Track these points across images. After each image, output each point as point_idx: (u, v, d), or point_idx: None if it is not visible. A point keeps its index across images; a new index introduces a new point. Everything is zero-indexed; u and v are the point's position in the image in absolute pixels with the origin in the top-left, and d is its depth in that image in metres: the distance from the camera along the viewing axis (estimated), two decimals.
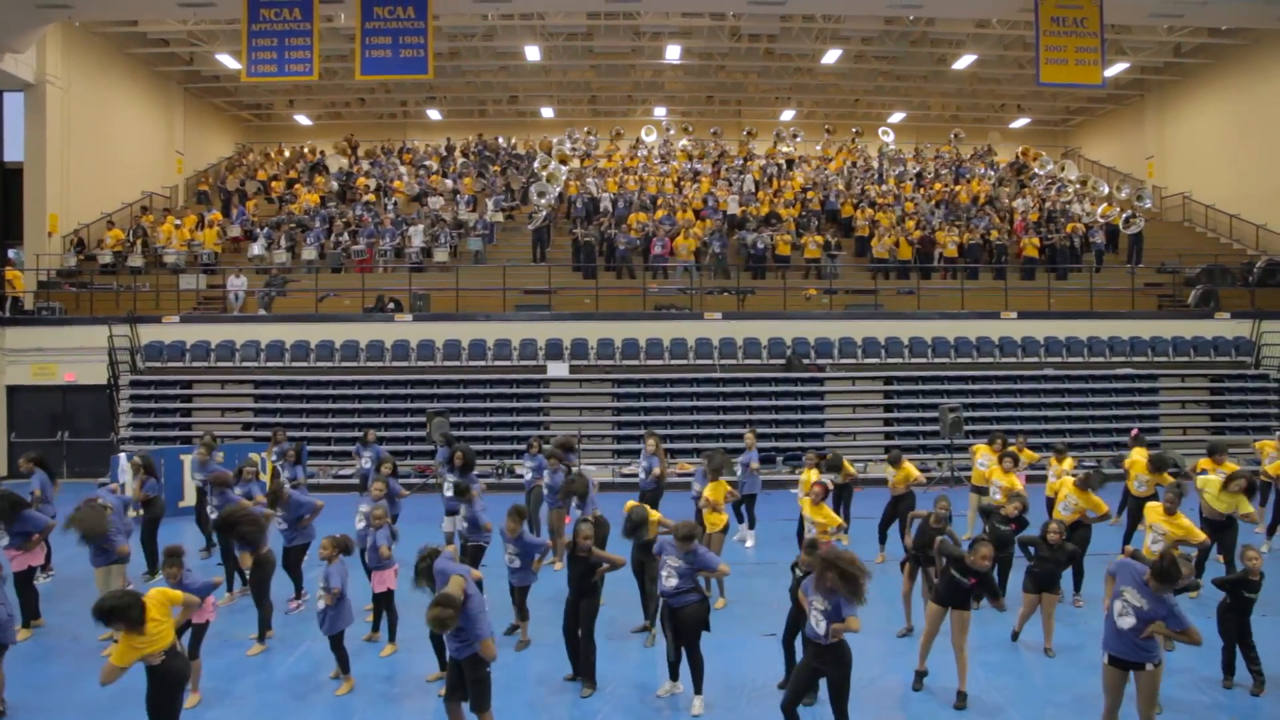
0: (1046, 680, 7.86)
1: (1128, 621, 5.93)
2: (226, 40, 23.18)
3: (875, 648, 8.56)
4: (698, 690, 7.19)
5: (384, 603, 8.57)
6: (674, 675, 7.45)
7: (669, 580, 7.09)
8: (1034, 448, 14.09)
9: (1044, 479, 11.58)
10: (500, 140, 30.15)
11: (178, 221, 23.54)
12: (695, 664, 7.15)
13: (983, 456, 11.97)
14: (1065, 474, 10.79)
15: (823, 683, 6.27)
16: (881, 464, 13.83)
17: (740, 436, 13.21)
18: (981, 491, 11.50)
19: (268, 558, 8.73)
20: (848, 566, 5.90)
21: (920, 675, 7.60)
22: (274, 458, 13.57)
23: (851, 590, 5.89)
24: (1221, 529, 9.75)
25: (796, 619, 7.34)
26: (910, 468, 11.39)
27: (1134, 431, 15.20)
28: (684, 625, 7.09)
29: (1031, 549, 8.27)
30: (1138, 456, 11.33)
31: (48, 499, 10.60)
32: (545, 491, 11.35)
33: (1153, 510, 8.57)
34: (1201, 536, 8.54)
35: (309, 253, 22.25)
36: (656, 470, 11.63)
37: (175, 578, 7.07)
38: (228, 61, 24.32)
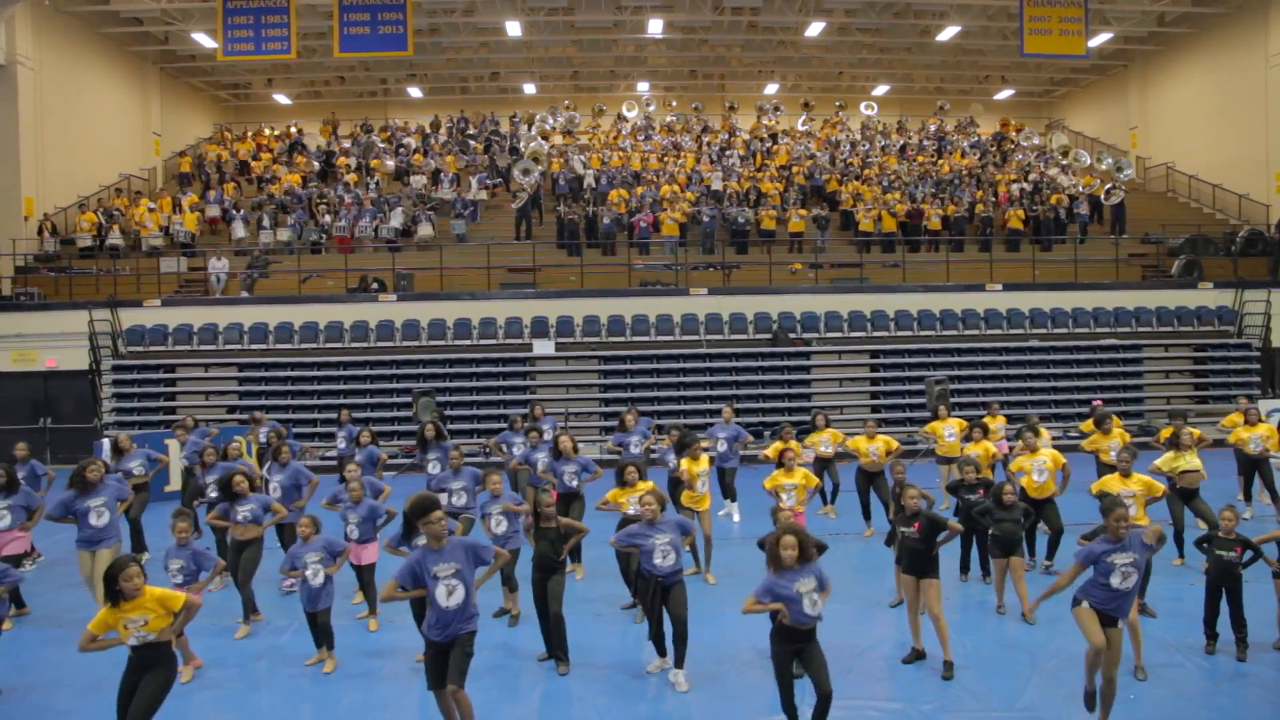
0: (1030, 646, 7.91)
1: (1132, 580, 6.14)
2: (202, 18, 22.77)
3: (865, 619, 8.61)
4: (679, 664, 7.20)
5: (367, 575, 8.56)
6: (661, 651, 7.47)
7: (666, 559, 7.06)
8: (1021, 419, 14.13)
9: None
10: (485, 116, 29.81)
11: (152, 205, 23.25)
12: (682, 639, 7.16)
13: (946, 428, 12.12)
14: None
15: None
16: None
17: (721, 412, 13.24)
18: (950, 462, 11.62)
19: (256, 542, 8.69)
20: (802, 533, 6.04)
21: (917, 654, 7.60)
22: (261, 439, 13.47)
23: (818, 548, 6.08)
24: (1191, 495, 9.90)
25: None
26: (887, 438, 11.70)
27: (1096, 403, 15.30)
28: (677, 602, 7.11)
29: (989, 516, 8.43)
30: (1096, 433, 11.39)
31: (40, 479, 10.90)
32: (531, 467, 11.27)
33: (1111, 481, 8.55)
34: (1161, 489, 8.72)
35: (285, 234, 22.01)
36: (649, 441, 11.77)
37: (186, 533, 7.28)
38: (204, 40, 23.95)
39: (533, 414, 12.90)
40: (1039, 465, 9.58)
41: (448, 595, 5.84)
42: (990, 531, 8.52)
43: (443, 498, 10.31)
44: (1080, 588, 6.30)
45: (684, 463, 9.98)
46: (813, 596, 5.90)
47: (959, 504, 9.30)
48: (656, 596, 7.18)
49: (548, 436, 11.58)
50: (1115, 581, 6.09)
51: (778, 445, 10.89)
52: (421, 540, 6.17)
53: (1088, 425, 12.25)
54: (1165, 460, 9.96)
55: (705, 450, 10.42)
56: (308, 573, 7.45)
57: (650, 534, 7.13)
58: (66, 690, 7.41)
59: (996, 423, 12.58)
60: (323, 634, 7.64)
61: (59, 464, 17.42)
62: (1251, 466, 11.99)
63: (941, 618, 7.29)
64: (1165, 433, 11.01)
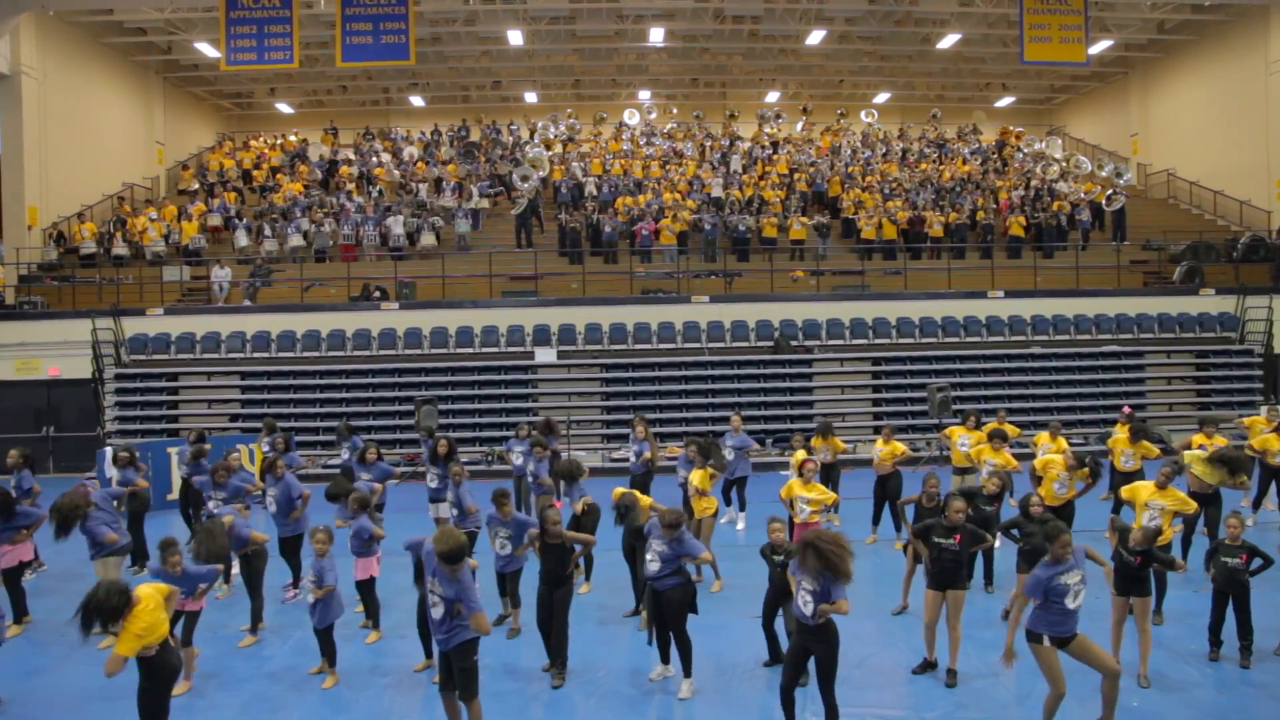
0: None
1: (1083, 595, 6.15)
2: (205, 28, 22.86)
3: (869, 627, 8.59)
4: (686, 673, 7.21)
5: (365, 590, 8.55)
6: (665, 658, 7.47)
7: (651, 564, 7.13)
8: (1022, 425, 14.14)
9: (1030, 455, 11.61)
10: (488, 124, 29.85)
11: (154, 215, 23.30)
12: (682, 647, 7.17)
13: (961, 437, 11.83)
14: (1059, 453, 10.72)
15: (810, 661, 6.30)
16: (870, 444, 13.82)
17: (728, 419, 13.17)
18: (964, 473, 11.46)
19: (260, 551, 8.70)
20: (827, 547, 5.85)
21: (928, 665, 7.56)
22: (265, 448, 13.47)
23: (832, 570, 5.83)
24: (1207, 502, 9.83)
25: (774, 601, 7.41)
26: (897, 444, 11.52)
27: (1126, 409, 15.26)
28: (668, 608, 7.13)
29: (1015, 530, 8.24)
30: (1121, 434, 11.41)
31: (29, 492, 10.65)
32: (531, 480, 11.26)
33: (1145, 487, 8.56)
34: (1194, 506, 8.67)
35: (295, 240, 22.06)
36: (647, 454, 11.59)
37: (176, 567, 7.19)
38: (207, 50, 24.00)
39: (543, 428, 12.80)
40: (1063, 477, 9.51)
41: (430, 606, 6.13)
42: (1019, 546, 8.23)
43: (442, 508, 10.35)
44: (1031, 620, 6.24)
45: (694, 476, 9.92)
46: (805, 597, 5.97)
47: (971, 511, 9.18)
48: (650, 601, 7.25)
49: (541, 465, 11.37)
50: (1069, 602, 6.10)
51: (800, 454, 10.81)
52: None
53: (1122, 438, 11.82)
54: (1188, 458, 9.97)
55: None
56: (301, 588, 7.45)
57: (651, 536, 7.25)
58: (67, 701, 7.40)
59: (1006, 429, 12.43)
60: (324, 647, 7.64)
61: (61, 473, 17.51)
62: (1270, 475, 11.94)
63: (958, 629, 7.31)
64: (1198, 439, 11.00)
